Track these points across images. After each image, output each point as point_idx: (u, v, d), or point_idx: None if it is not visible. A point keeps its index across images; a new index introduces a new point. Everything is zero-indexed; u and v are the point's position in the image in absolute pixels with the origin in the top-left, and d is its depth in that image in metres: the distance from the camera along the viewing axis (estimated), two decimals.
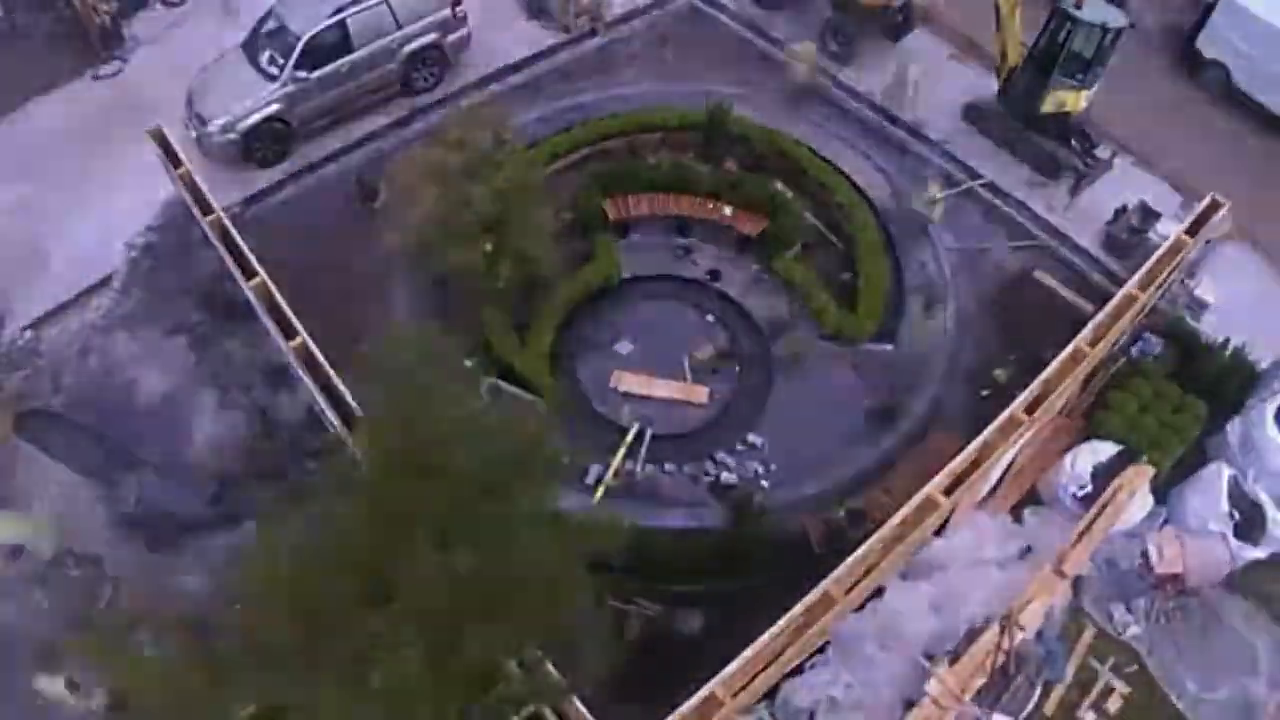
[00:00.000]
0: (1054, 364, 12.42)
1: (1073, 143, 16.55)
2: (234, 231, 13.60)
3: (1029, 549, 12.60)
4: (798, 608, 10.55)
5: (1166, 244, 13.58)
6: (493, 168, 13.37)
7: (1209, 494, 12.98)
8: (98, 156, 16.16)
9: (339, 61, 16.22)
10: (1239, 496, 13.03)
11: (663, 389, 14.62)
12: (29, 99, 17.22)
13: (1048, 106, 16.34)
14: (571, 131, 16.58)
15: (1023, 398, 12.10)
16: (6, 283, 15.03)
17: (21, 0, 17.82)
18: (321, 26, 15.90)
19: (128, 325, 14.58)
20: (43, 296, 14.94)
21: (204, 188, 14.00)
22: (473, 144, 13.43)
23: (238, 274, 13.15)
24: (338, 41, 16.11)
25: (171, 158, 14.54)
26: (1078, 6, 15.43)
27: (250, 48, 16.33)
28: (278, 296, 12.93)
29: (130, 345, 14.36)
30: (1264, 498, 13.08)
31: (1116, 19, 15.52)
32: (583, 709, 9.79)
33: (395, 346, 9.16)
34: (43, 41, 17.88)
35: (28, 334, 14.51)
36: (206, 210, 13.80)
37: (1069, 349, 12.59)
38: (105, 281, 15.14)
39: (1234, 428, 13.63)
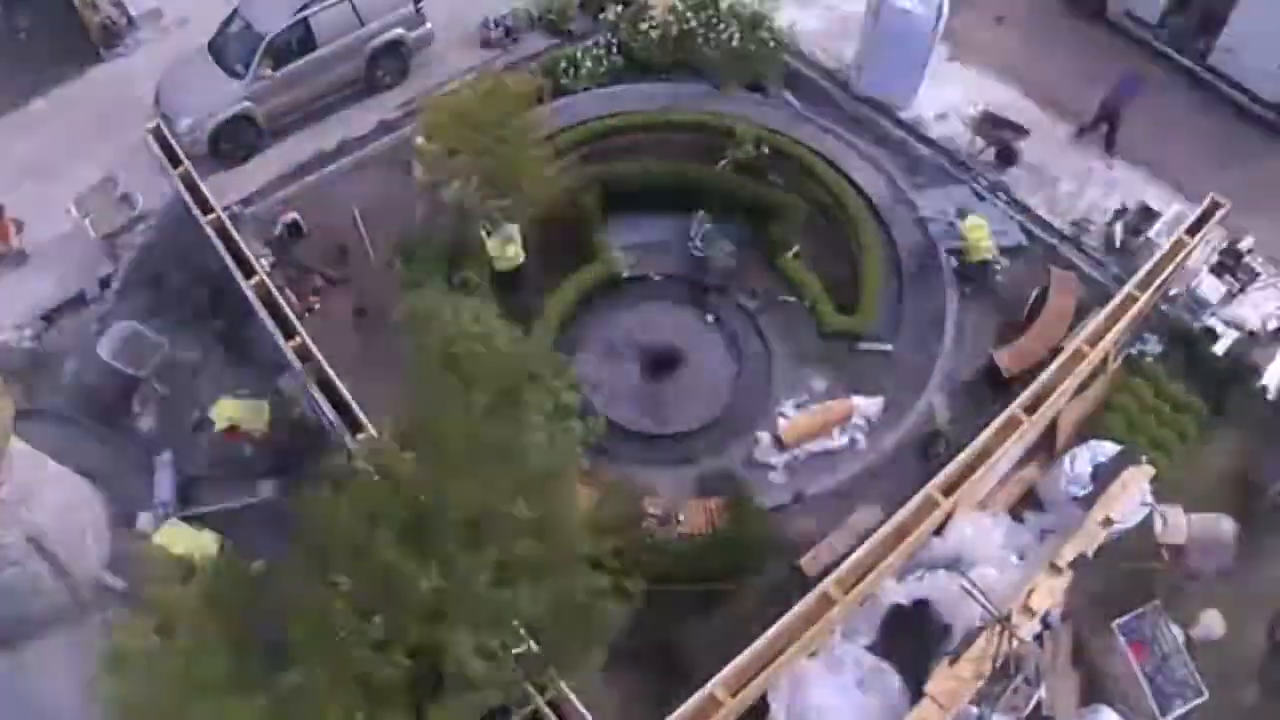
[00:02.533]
0: (1054, 364, 12.45)
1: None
2: (233, 231, 13.63)
3: (1028, 550, 12.59)
4: (798, 607, 10.58)
5: (1167, 244, 13.61)
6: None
7: None
8: (98, 155, 16.16)
9: (304, 59, 16.33)
10: None
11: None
12: (29, 98, 17.24)
13: None
14: (565, 131, 16.47)
15: (1023, 398, 12.12)
16: (8, 282, 15.09)
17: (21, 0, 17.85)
18: (286, 25, 16.02)
19: (128, 324, 14.57)
20: (42, 296, 14.93)
21: (203, 187, 14.04)
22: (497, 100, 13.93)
23: (237, 273, 13.17)
24: (302, 39, 16.24)
25: (171, 157, 14.59)
26: None
27: (216, 47, 16.47)
28: (277, 295, 12.96)
29: (130, 344, 14.34)
30: None
31: None
32: (582, 709, 9.80)
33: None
34: (43, 40, 17.88)
35: (28, 332, 14.52)
36: (206, 209, 13.83)
37: (1068, 350, 12.62)
38: (105, 281, 15.15)
39: None
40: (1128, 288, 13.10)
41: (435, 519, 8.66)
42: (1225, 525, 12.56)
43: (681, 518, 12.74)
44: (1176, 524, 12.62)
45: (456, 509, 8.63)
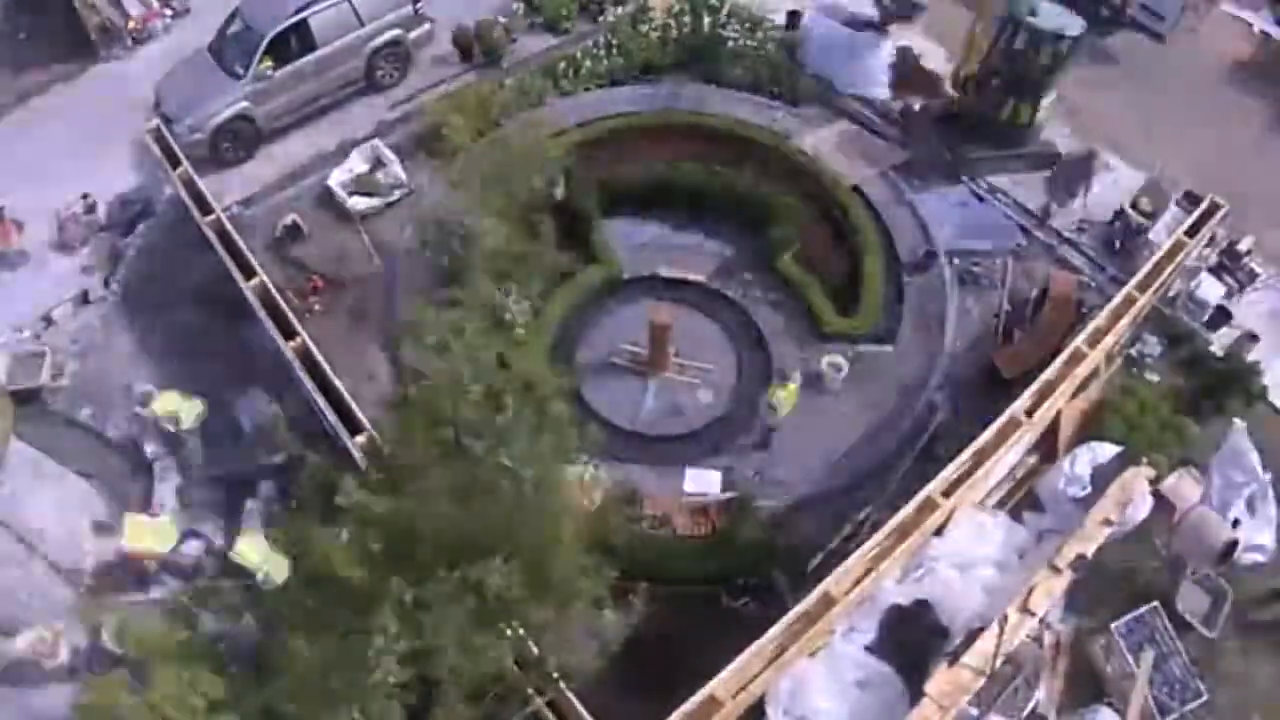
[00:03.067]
0: (1053, 366, 12.46)
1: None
2: (233, 231, 13.65)
3: (1027, 551, 12.59)
4: (798, 608, 10.58)
5: (1166, 246, 13.63)
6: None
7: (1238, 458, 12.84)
8: (98, 155, 16.19)
9: (303, 59, 16.37)
10: None
11: None
12: (29, 97, 17.26)
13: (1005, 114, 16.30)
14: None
15: (1022, 399, 12.13)
16: (8, 282, 15.08)
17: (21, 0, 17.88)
18: (285, 25, 16.06)
19: (126, 324, 14.58)
20: (42, 295, 14.93)
21: (203, 187, 14.07)
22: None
23: (237, 274, 13.19)
24: (302, 40, 16.29)
25: (171, 158, 14.62)
26: (1032, 13, 15.34)
27: (216, 48, 16.52)
28: (277, 296, 12.98)
29: (129, 344, 14.36)
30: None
31: (1072, 26, 15.42)
32: (581, 709, 9.81)
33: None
34: (43, 41, 17.91)
35: (27, 333, 14.51)
36: (205, 210, 13.86)
37: (1068, 351, 12.63)
38: (105, 280, 15.15)
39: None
40: (1127, 289, 13.12)
41: (421, 547, 8.65)
42: (1223, 531, 12.52)
43: (680, 519, 12.75)
44: (1186, 491, 12.57)
45: (440, 535, 8.62)
